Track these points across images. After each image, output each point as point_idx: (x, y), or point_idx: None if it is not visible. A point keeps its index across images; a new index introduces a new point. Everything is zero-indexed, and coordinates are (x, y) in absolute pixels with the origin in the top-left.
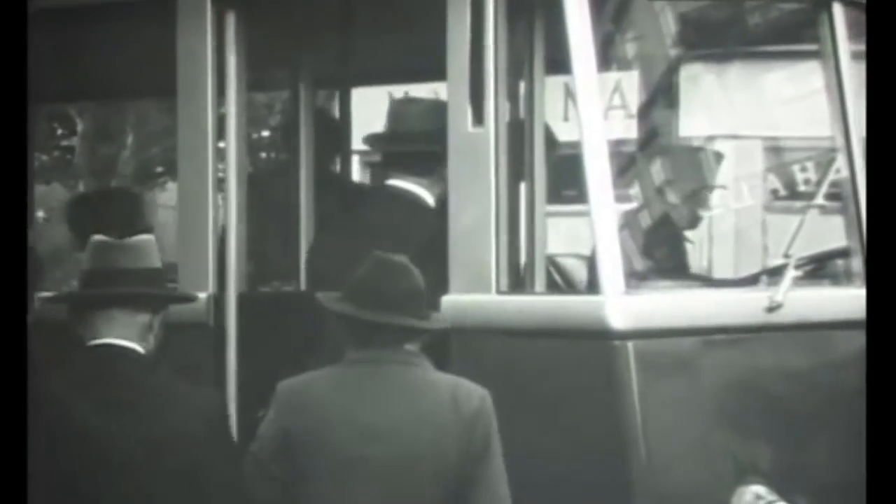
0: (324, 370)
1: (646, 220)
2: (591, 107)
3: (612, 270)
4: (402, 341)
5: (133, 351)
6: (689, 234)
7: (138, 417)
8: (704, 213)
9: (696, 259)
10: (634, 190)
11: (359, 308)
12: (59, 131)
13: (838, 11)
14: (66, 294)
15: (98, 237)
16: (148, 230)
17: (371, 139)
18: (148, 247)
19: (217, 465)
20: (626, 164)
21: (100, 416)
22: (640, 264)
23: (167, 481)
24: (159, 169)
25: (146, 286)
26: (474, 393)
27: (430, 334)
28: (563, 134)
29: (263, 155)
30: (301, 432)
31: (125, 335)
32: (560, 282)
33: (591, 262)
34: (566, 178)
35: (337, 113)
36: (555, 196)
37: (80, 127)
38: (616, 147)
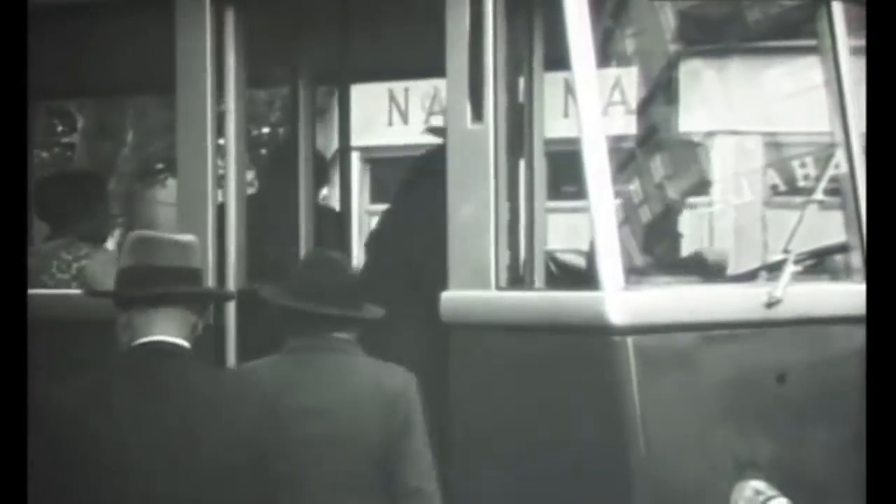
0: (267, 358)
1: (645, 216)
2: (590, 103)
3: (611, 266)
4: (333, 330)
5: (189, 350)
6: (685, 230)
7: (209, 416)
8: (701, 207)
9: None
10: (634, 185)
11: (296, 299)
12: (60, 128)
13: (837, 7)
14: (142, 292)
15: (141, 233)
16: (108, 214)
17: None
18: (193, 245)
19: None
20: (625, 159)
21: (169, 416)
22: (639, 260)
23: (231, 477)
24: (159, 166)
25: (196, 285)
26: (398, 377)
27: (363, 323)
28: (563, 130)
29: (264, 151)
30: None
31: (182, 333)
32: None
33: (589, 258)
34: (566, 174)
35: (336, 110)
36: (555, 192)
37: (80, 124)
38: (616, 143)
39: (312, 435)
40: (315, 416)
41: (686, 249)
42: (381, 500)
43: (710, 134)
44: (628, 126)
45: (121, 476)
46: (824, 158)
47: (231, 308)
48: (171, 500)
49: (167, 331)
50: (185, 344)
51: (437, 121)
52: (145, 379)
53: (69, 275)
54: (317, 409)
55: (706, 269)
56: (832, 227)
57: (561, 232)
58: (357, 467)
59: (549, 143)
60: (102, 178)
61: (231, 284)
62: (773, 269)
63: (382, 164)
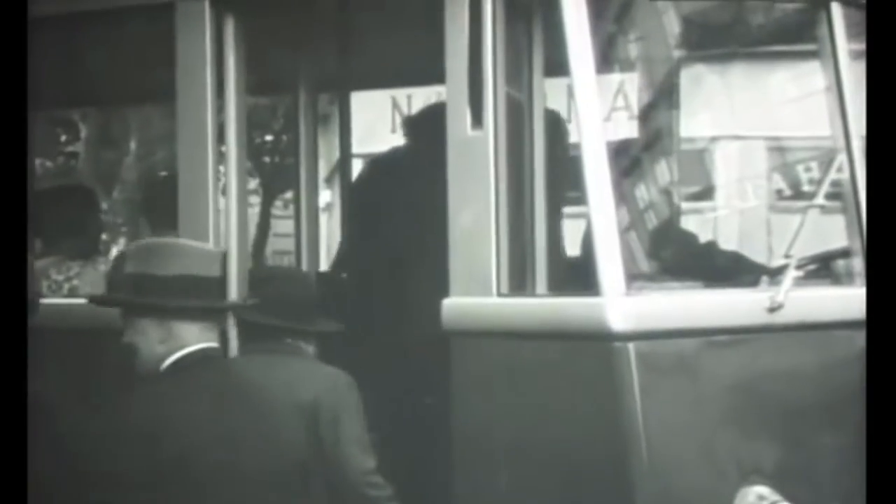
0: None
1: (647, 221)
2: (590, 108)
3: (612, 272)
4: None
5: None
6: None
7: (257, 419)
8: (705, 212)
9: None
10: (636, 191)
11: (257, 311)
12: (63, 137)
13: (836, 11)
14: (203, 303)
15: (169, 241)
16: (100, 229)
17: None
18: (222, 254)
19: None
20: (627, 165)
21: (221, 422)
22: (640, 265)
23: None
24: (163, 174)
25: (223, 293)
26: (317, 379)
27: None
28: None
29: (267, 159)
30: None
31: (216, 339)
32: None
33: (580, 262)
34: (569, 180)
35: (337, 116)
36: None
37: (83, 133)
38: (618, 148)
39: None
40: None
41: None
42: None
43: (714, 139)
44: (632, 131)
45: (191, 487)
46: (826, 163)
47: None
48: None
49: (211, 338)
50: (219, 346)
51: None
52: (206, 387)
53: (61, 295)
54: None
55: (710, 272)
56: (835, 231)
57: (565, 237)
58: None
59: None
60: (95, 193)
61: (233, 291)
62: (776, 274)
63: None
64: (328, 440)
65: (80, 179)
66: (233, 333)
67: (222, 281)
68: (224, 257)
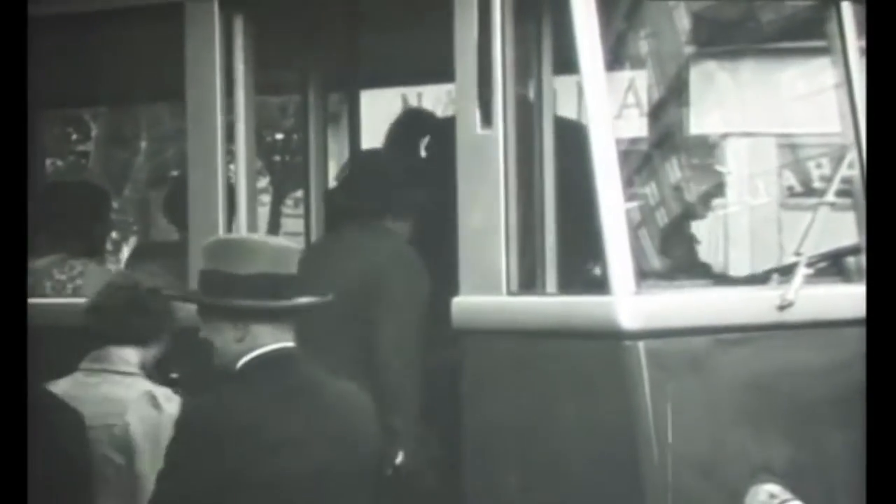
0: None
1: (658, 219)
2: (600, 106)
3: (622, 270)
4: None
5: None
6: (700, 233)
7: (334, 420)
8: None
9: (713, 257)
10: (646, 189)
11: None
12: (74, 136)
13: (846, 8)
14: (297, 302)
15: (239, 237)
16: (106, 228)
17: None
18: (297, 251)
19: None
20: (638, 162)
21: (306, 423)
22: (651, 263)
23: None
24: (174, 173)
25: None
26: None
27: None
28: None
29: (277, 158)
30: None
31: (291, 338)
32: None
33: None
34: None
35: (347, 115)
36: None
37: (94, 132)
38: (629, 145)
39: None
40: None
41: (703, 253)
42: None
43: (724, 136)
44: (642, 129)
45: (273, 487)
46: (837, 160)
47: None
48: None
49: (286, 337)
50: (295, 346)
51: None
52: (286, 386)
53: (65, 296)
54: None
55: (719, 272)
56: (845, 228)
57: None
58: None
59: None
60: (101, 190)
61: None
62: (786, 271)
63: None
64: None
65: (87, 177)
66: None
67: (296, 279)
68: (299, 254)
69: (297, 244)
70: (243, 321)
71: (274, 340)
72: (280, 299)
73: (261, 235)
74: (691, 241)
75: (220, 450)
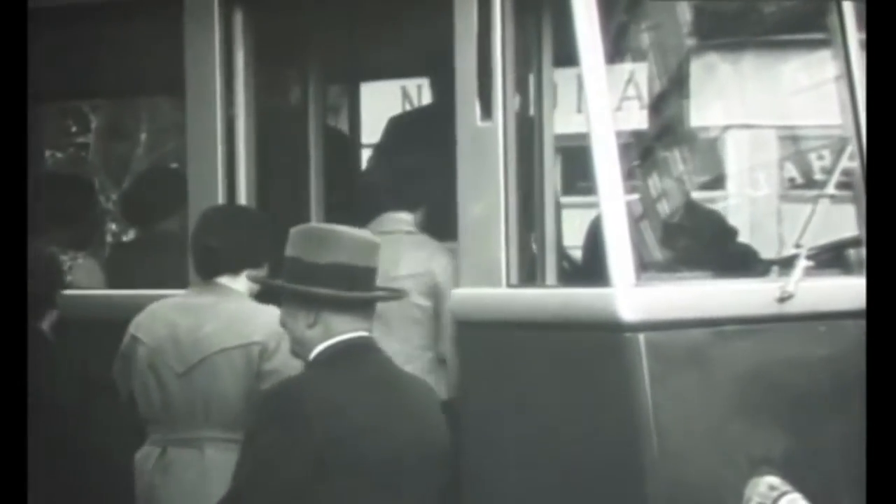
0: None
1: (659, 211)
2: (600, 98)
3: (622, 262)
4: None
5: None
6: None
7: (413, 410)
8: (717, 201)
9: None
10: (647, 181)
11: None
12: (74, 128)
13: (847, 0)
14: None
15: (327, 227)
16: (96, 219)
17: None
18: (378, 245)
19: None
20: (639, 155)
21: (394, 407)
22: (651, 255)
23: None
24: (173, 165)
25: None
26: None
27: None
28: (577, 126)
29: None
30: None
31: (368, 328)
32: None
33: (594, 254)
34: (581, 170)
35: (346, 108)
36: (570, 188)
37: (94, 124)
38: (629, 138)
39: None
40: None
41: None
42: None
43: (725, 128)
44: (642, 121)
45: (356, 472)
46: (837, 152)
47: None
48: (398, 493)
49: (362, 327)
50: (371, 335)
51: None
52: (363, 374)
53: None
54: None
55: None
56: (846, 220)
57: (577, 228)
58: None
59: (562, 138)
60: (90, 183)
61: None
62: (786, 263)
63: None
64: None
65: (78, 170)
66: None
67: (374, 271)
68: (378, 248)
69: (375, 238)
70: (315, 309)
71: (350, 329)
72: (355, 290)
73: (345, 227)
74: (691, 233)
75: (308, 428)
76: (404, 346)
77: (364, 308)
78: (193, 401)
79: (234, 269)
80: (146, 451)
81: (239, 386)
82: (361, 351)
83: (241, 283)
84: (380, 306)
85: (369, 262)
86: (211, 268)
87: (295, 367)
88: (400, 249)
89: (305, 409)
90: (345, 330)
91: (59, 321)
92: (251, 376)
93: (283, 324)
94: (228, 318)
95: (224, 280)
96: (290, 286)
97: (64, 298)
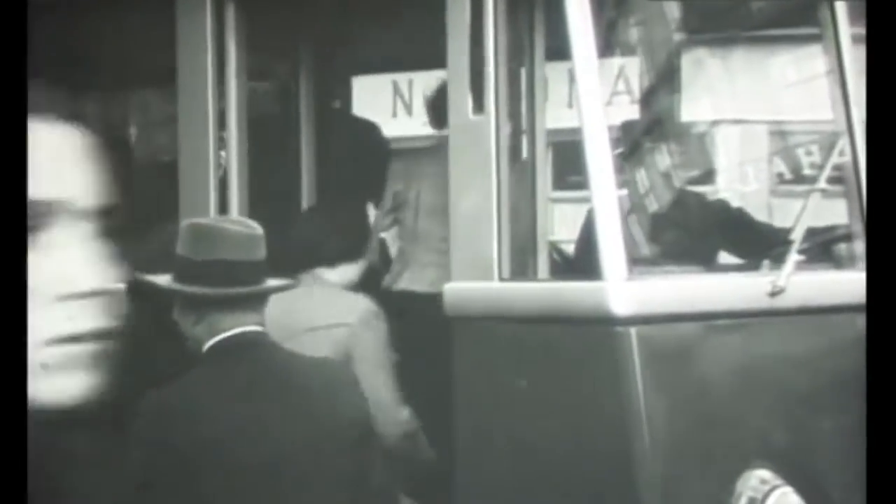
0: None
1: (650, 205)
2: (591, 92)
3: (614, 256)
4: None
5: (268, 335)
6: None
7: (307, 395)
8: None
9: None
10: (638, 175)
11: None
12: None
13: None
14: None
15: (200, 222)
16: None
17: None
18: (260, 235)
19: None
20: (629, 149)
21: (277, 404)
22: (642, 249)
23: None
24: (165, 159)
25: (262, 273)
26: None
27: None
28: (568, 120)
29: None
30: None
31: (257, 321)
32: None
33: (588, 248)
34: (572, 164)
35: (338, 101)
36: (561, 182)
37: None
38: (620, 133)
39: None
40: None
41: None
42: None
43: (715, 123)
44: (633, 116)
45: (235, 471)
46: (828, 147)
47: None
48: (283, 492)
49: (248, 321)
50: (263, 330)
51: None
52: (246, 370)
53: None
54: None
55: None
56: (837, 215)
57: (568, 222)
58: None
59: (553, 133)
60: None
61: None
62: (777, 258)
63: None
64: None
65: None
66: None
67: (257, 264)
68: (259, 237)
69: (257, 230)
70: (196, 307)
71: (234, 325)
72: (237, 285)
73: (227, 220)
74: (683, 226)
75: (172, 430)
76: None
77: (249, 302)
78: None
79: (331, 263)
80: None
81: None
82: (246, 346)
83: (334, 275)
84: None
85: (251, 256)
86: (309, 260)
87: (383, 350)
88: (315, 301)
89: (168, 411)
90: (229, 326)
91: None
92: (339, 356)
93: (176, 321)
94: (319, 301)
95: (319, 271)
96: (161, 286)
97: None
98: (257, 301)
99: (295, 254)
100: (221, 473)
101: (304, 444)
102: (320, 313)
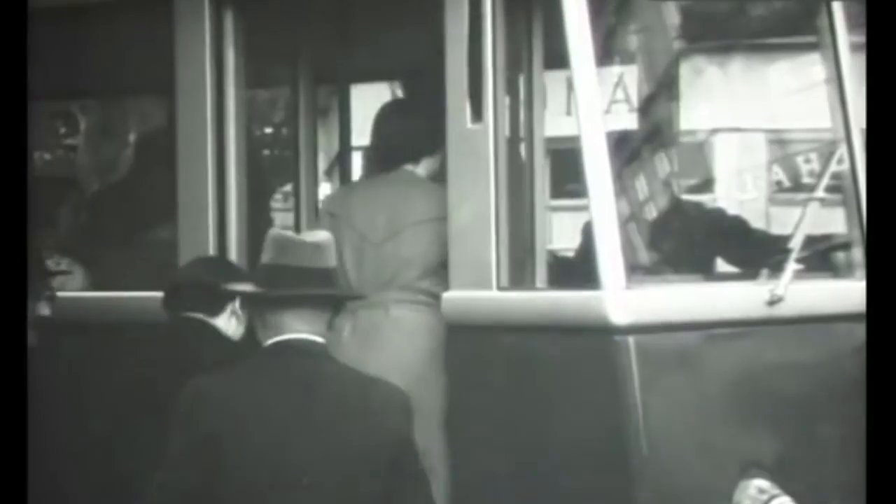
0: None
1: (648, 214)
2: (590, 101)
3: (612, 265)
4: None
5: (324, 345)
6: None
7: (351, 413)
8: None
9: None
10: (637, 183)
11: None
12: (63, 130)
13: (836, 3)
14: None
15: (279, 232)
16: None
17: None
18: (328, 245)
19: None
20: (628, 157)
21: (310, 411)
22: (640, 259)
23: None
24: (161, 166)
25: (329, 284)
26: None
27: None
28: (567, 128)
29: (266, 152)
30: None
31: (315, 330)
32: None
33: (588, 256)
34: (570, 173)
35: (337, 109)
36: (559, 190)
37: (82, 125)
38: (618, 141)
39: None
40: None
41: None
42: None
43: (713, 131)
44: (631, 124)
45: (264, 466)
46: (826, 155)
47: None
48: (309, 495)
49: (302, 328)
50: (320, 340)
51: None
52: (282, 375)
53: None
54: None
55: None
56: (835, 223)
57: (567, 231)
58: None
59: (552, 141)
60: (66, 185)
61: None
62: (775, 266)
63: None
64: None
65: (66, 171)
66: None
67: (328, 272)
68: (326, 247)
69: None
70: (260, 307)
71: (294, 331)
72: (304, 290)
73: (306, 233)
74: (681, 235)
75: (200, 428)
76: None
77: (315, 311)
78: (384, 268)
79: (415, 158)
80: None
81: (426, 254)
82: (297, 352)
83: (420, 169)
84: None
85: (320, 264)
86: (396, 157)
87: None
88: (412, 196)
89: (201, 410)
90: (288, 331)
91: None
92: (440, 245)
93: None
94: (418, 195)
95: (407, 167)
96: (226, 288)
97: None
98: (323, 310)
99: (380, 152)
100: (243, 470)
101: (323, 457)
102: (419, 208)
